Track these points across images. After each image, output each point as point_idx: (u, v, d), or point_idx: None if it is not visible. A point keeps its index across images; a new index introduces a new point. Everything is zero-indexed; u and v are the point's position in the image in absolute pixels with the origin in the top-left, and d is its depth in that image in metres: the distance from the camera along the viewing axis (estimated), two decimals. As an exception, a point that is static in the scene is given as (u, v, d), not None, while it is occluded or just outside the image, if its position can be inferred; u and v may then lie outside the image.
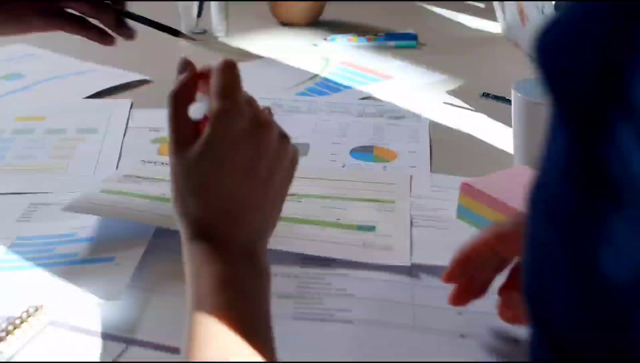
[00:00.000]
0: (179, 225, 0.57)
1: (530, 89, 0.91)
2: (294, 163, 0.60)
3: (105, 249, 0.75)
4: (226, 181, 0.54)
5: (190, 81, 0.58)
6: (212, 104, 0.55)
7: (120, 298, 0.67)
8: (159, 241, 0.75)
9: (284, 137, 0.58)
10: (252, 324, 0.50)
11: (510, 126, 1.05)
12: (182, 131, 0.56)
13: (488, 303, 0.68)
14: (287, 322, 0.65)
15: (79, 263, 0.72)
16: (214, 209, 0.55)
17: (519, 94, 0.88)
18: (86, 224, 0.79)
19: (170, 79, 1.27)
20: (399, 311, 0.67)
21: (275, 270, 0.71)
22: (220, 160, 0.54)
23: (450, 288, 0.65)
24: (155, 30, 1.53)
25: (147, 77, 1.27)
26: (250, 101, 0.57)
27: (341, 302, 0.68)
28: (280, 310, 0.66)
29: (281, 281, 0.71)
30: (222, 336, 0.48)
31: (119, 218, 0.78)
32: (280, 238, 0.76)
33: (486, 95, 1.16)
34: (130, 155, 0.98)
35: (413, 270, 0.73)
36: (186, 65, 0.59)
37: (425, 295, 0.70)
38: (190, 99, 0.57)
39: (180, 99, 0.57)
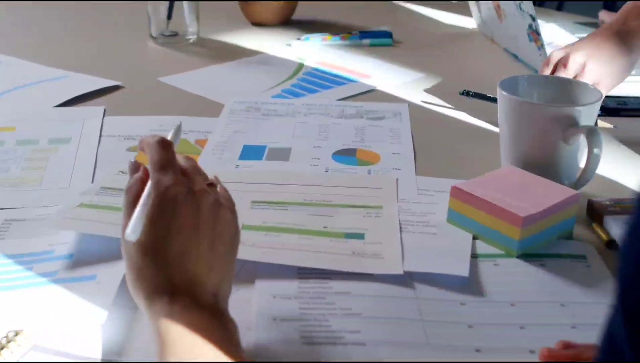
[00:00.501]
0: (137, 300, 0.59)
1: (515, 87, 0.89)
2: (235, 232, 0.63)
3: (86, 267, 0.72)
4: (174, 242, 0.58)
5: (144, 176, 0.63)
6: (151, 178, 0.60)
7: (105, 319, 0.64)
8: (142, 256, 0.73)
9: (219, 203, 0.61)
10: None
11: (493, 124, 1.04)
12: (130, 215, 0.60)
13: (498, 312, 0.67)
14: (295, 346, 0.63)
15: (59, 283, 0.69)
16: (172, 268, 0.57)
17: (504, 93, 0.86)
18: (64, 241, 0.76)
19: (142, 84, 1.26)
20: (410, 329, 0.65)
21: (274, 290, 0.70)
22: (165, 225, 0.58)
23: (455, 300, 0.67)
24: (125, 35, 1.51)
25: (118, 83, 1.24)
26: (191, 170, 0.63)
27: (349, 323, 0.65)
28: (287, 334, 0.64)
29: (282, 303, 0.68)
30: None
31: (99, 234, 0.75)
32: (270, 249, 0.74)
33: (466, 93, 1.14)
34: (106, 165, 0.94)
35: (407, 279, 0.71)
36: (137, 166, 0.65)
37: (432, 309, 0.67)
38: (141, 190, 0.61)
39: (133, 193, 0.62)
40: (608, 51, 1.00)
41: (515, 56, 1.37)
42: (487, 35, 1.51)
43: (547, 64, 1.02)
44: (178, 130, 0.71)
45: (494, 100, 1.08)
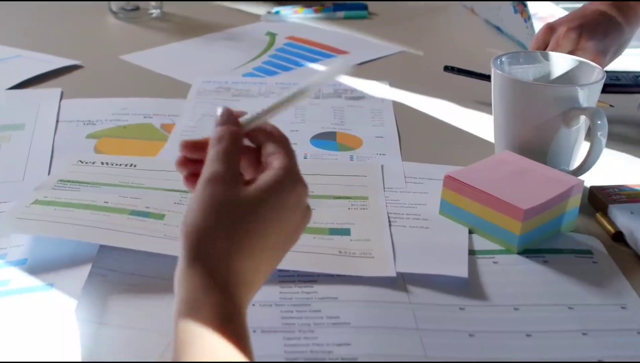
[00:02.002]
0: (182, 237, 0.49)
1: (509, 64, 0.83)
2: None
3: (42, 273, 0.64)
4: (263, 232, 0.50)
5: (236, 131, 0.54)
6: (281, 159, 0.53)
7: (64, 333, 0.57)
8: (105, 261, 0.65)
9: (310, 210, 0.55)
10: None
11: (482, 103, 0.98)
12: (236, 168, 0.52)
13: (500, 318, 0.61)
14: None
15: (11, 294, 0.62)
16: (238, 252, 0.49)
17: (499, 72, 0.79)
18: (18, 243, 0.68)
19: (102, 63, 1.18)
20: (405, 340, 0.58)
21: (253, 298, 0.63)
22: (273, 215, 0.50)
23: (453, 305, 0.60)
24: (83, 9, 1.41)
25: (76, 62, 1.15)
26: None
27: (337, 334, 0.59)
28: (269, 348, 0.57)
29: (262, 312, 0.61)
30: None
31: (57, 236, 0.67)
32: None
33: (450, 69, 1.07)
34: (64, 154, 0.86)
35: (400, 281, 0.64)
36: (231, 114, 0.55)
37: (428, 315, 0.61)
38: (235, 146, 0.53)
39: (225, 145, 0.53)
40: (604, 24, 0.93)
41: (498, 28, 1.30)
42: (467, 7, 1.44)
43: (537, 40, 0.95)
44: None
45: (480, 76, 1.02)
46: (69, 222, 0.69)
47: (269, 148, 0.54)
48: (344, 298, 0.63)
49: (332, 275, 0.65)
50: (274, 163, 0.52)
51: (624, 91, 1.04)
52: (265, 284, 0.63)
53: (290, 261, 0.65)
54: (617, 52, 0.95)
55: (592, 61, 0.83)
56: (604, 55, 0.92)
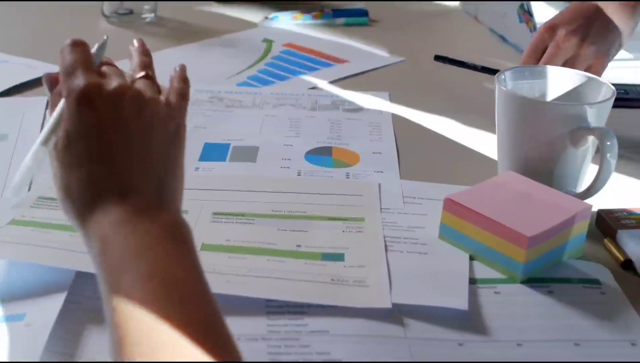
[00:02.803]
0: (71, 222, 0.54)
1: (516, 80, 0.79)
2: (173, 123, 0.56)
3: (13, 303, 0.60)
4: (96, 145, 0.52)
5: None
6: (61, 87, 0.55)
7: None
8: (82, 289, 0.61)
9: (141, 95, 0.55)
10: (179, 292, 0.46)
11: (485, 118, 0.94)
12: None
13: (502, 355, 0.57)
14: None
15: (-21, 324, 0.58)
16: (99, 174, 0.52)
17: (504, 88, 0.75)
18: (-11, 268, 0.64)
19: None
20: None
21: (237, 330, 0.58)
22: (81, 131, 0.52)
23: (452, 340, 0.57)
24: (74, 13, 1.37)
25: (65, 69, 1.11)
26: (110, 72, 0.57)
27: None
28: None
29: (248, 347, 0.57)
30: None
31: (34, 261, 0.63)
32: (235, 277, 0.63)
33: (441, 58, 1.02)
34: (47, 168, 0.82)
35: (396, 313, 0.60)
36: (55, 77, 0.59)
37: (425, 352, 0.57)
38: None
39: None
40: (604, 22, 0.89)
41: (502, 37, 1.26)
42: (470, 14, 1.40)
43: (536, 41, 0.90)
44: (103, 46, 0.61)
45: (472, 67, 0.98)
46: (45, 245, 0.65)
47: None
48: (336, 332, 0.59)
49: (323, 306, 0.61)
50: None
51: (632, 105, 1.00)
52: (252, 315, 0.60)
53: (280, 290, 0.62)
54: (617, 50, 0.91)
55: (594, 63, 0.80)
56: (606, 56, 0.88)
